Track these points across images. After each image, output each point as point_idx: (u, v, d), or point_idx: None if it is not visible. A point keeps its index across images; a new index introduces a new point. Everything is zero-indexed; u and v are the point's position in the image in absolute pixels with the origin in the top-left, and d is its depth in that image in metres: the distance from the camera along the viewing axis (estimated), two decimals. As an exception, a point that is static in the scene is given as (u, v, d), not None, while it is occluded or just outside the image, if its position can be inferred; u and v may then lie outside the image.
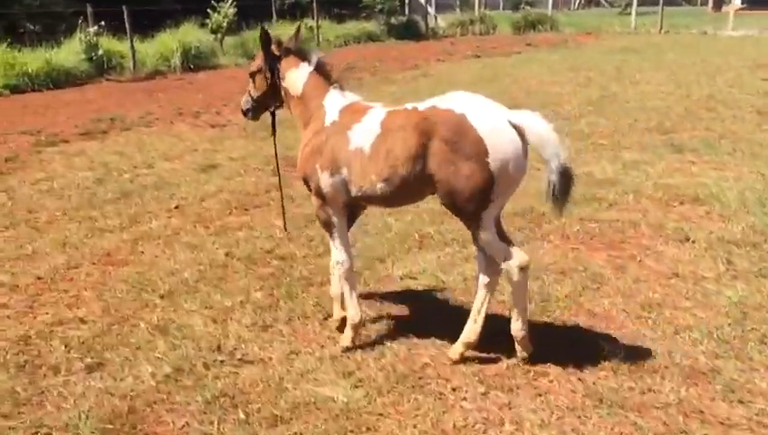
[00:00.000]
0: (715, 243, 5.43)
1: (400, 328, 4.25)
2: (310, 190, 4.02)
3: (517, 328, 3.75)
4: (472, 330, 3.81)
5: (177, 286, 4.98)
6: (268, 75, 4.15)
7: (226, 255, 5.55)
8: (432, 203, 4.95)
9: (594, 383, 3.62)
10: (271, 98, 4.27)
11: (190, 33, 19.56)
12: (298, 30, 4.25)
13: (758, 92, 12.31)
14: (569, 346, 3.98)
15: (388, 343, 4.08)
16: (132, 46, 17.63)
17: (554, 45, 23.48)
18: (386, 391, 3.60)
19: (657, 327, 4.19)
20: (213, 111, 12.70)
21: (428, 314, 4.48)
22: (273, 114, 4.44)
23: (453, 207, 3.60)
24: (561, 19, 30.49)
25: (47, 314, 4.62)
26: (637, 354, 3.86)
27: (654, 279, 4.85)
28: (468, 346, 3.84)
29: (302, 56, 4.10)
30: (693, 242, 5.48)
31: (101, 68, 17.27)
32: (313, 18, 24.30)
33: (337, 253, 4.04)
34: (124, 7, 17.56)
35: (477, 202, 3.47)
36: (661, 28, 26.33)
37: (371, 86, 15.21)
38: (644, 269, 5.02)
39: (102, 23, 17.52)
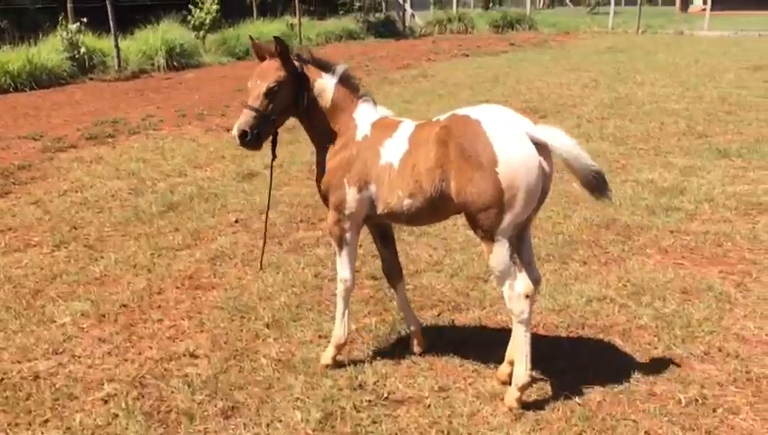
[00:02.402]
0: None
1: (542, 357, 3.90)
2: (326, 204, 3.82)
3: (520, 374, 3.48)
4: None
5: (279, 313, 4.59)
6: (295, 88, 3.71)
7: (315, 275, 5.18)
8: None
9: (794, 421, 3.41)
10: (289, 114, 3.81)
11: (172, 31, 18.81)
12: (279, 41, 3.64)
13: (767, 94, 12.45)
14: (742, 378, 3.76)
15: (544, 376, 3.80)
16: (117, 44, 16.82)
17: (537, 45, 23.46)
18: (575, 437, 3.32)
19: (822, 353, 4.01)
20: (217, 112, 12.15)
21: (567, 342, 4.22)
22: (275, 134, 3.87)
23: (470, 222, 3.46)
24: (537, 18, 30.56)
25: (151, 348, 4.19)
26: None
27: (785, 298, 4.69)
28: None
29: (323, 67, 3.81)
30: (798, 255, 5.36)
31: (84, 67, 16.44)
32: (294, 15, 23.74)
33: (343, 271, 3.86)
34: (107, 1, 16.75)
35: (491, 216, 3.31)
36: (639, 28, 26.62)
37: (373, 87, 14.79)
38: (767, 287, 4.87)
39: (85, 19, 16.63)
